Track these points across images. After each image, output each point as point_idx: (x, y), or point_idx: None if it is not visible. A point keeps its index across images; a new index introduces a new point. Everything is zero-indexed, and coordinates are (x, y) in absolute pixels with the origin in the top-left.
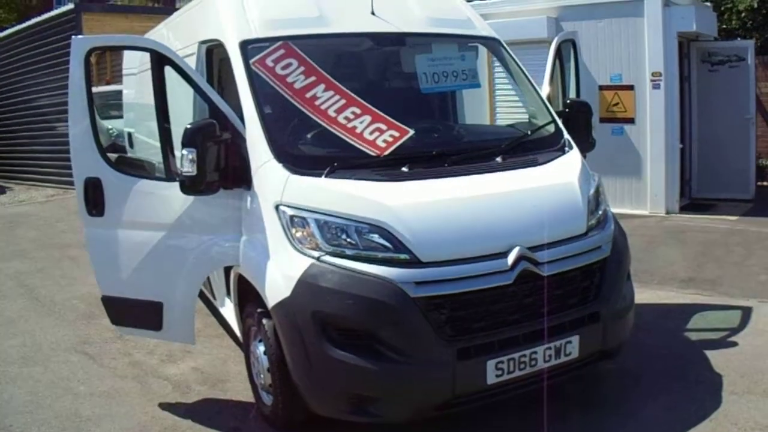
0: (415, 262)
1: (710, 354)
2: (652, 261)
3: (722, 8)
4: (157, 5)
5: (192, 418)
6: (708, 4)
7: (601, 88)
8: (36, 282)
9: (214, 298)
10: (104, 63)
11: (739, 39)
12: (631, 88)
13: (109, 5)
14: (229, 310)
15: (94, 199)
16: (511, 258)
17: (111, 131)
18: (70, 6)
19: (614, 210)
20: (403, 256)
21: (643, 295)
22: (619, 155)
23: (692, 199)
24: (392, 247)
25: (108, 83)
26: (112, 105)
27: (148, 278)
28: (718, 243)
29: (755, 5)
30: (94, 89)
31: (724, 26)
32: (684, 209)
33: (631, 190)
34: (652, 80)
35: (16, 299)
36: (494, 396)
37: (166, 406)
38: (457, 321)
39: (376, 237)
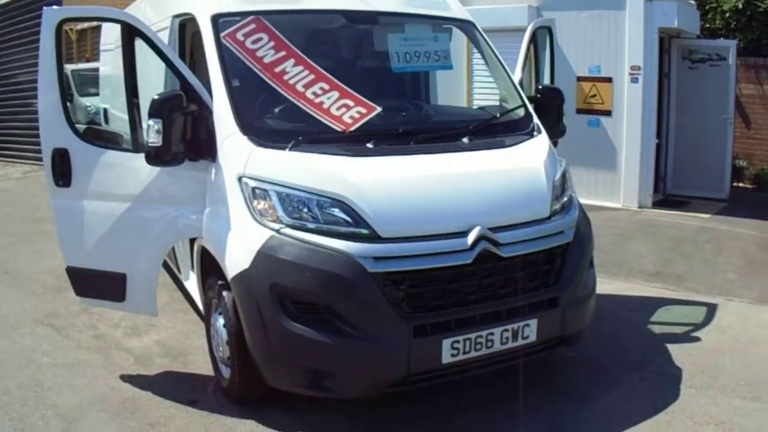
0: (374, 238)
1: (672, 348)
2: (620, 253)
3: (707, 7)
4: None
5: (152, 390)
6: (692, 1)
7: (579, 79)
8: (7, 256)
9: (179, 271)
10: (85, 40)
11: (721, 39)
12: (609, 80)
13: None
14: (193, 283)
15: (62, 169)
16: (471, 238)
17: (90, 108)
18: None
19: (587, 201)
20: (362, 231)
21: (609, 286)
22: (595, 147)
23: (666, 195)
24: (352, 221)
25: (88, 61)
26: (91, 82)
27: (112, 249)
28: (688, 239)
29: (740, 6)
30: (74, 66)
31: (708, 25)
32: (658, 205)
33: (605, 182)
34: (630, 74)
35: None
36: (450, 375)
37: (127, 378)
38: (415, 298)
39: (336, 211)
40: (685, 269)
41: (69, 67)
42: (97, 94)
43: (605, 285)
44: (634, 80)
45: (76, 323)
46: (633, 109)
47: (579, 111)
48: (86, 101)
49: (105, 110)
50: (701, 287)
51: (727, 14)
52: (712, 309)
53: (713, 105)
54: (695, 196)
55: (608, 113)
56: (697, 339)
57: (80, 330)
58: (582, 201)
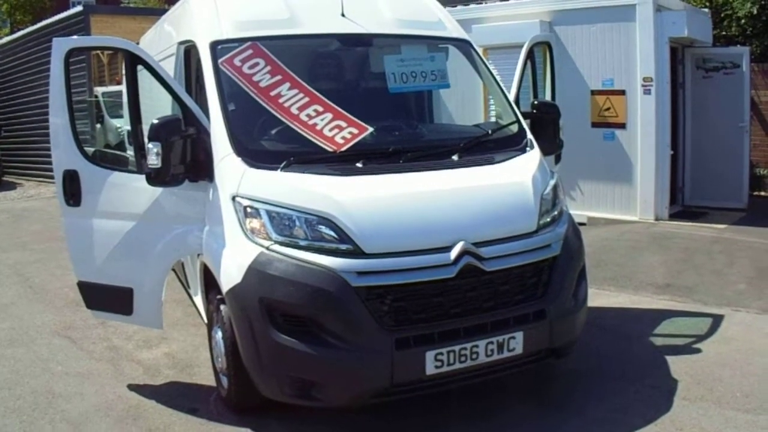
0: (358, 253)
1: (671, 359)
2: (631, 266)
3: (722, 15)
4: (168, 7)
5: (156, 398)
6: (706, 10)
7: (593, 92)
8: (32, 271)
9: (189, 287)
10: (116, 63)
11: (737, 46)
12: (622, 93)
13: (116, 7)
14: (200, 298)
15: (72, 189)
16: (454, 252)
17: (120, 130)
18: (79, 8)
19: (604, 215)
20: (345, 247)
21: (617, 299)
22: (611, 161)
23: (685, 206)
24: (337, 238)
25: (118, 83)
26: (121, 104)
27: (119, 265)
28: (701, 251)
29: (755, 12)
30: (105, 88)
31: (724, 33)
32: (676, 216)
33: (621, 195)
34: (643, 85)
35: (11, 287)
36: (434, 387)
37: (134, 387)
38: (398, 311)
39: (323, 228)
40: (694, 281)
41: (100, 90)
42: None
43: (613, 298)
44: (647, 92)
45: (92, 335)
46: (646, 121)
47: (594, 125)
48: (117, 122)
49: (128, 132)
50: (710, 298)
51: (743, 21)
52: (717, 320)
53: (729, 113)
54: (713, 207)
55: (623, 126)
56: (698, 351)
57: (95, 342)
58: (599, 215)
